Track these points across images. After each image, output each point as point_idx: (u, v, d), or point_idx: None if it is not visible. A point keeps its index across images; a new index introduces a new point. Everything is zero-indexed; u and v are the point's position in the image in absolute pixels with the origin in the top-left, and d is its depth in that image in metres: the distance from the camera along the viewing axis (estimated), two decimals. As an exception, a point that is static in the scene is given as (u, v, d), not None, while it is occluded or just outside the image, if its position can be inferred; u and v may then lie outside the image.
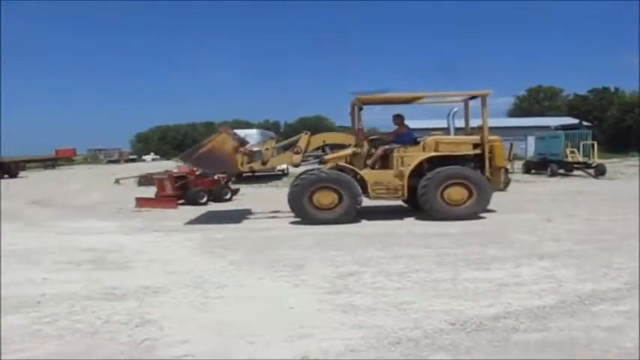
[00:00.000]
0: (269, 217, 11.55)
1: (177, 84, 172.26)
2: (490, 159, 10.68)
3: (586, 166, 23.57)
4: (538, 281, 5.64)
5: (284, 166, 20.86)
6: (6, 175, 34.15)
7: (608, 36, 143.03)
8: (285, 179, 24.10)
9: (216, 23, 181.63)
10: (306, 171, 10.96)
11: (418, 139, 11.08)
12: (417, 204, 10.65)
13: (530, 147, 34.28)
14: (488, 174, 10.61)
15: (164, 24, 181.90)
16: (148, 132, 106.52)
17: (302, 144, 11.12)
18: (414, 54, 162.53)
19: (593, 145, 23.84)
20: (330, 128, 66.25)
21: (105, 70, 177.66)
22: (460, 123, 12.03)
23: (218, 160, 11.05)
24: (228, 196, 15.83)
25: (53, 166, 53.22)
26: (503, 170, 11.12)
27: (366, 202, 10.69)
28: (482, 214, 10.50)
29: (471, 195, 10.33)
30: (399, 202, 11.84)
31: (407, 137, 11.29)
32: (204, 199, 14.77)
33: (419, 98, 11.49)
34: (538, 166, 25.59)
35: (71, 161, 64.97)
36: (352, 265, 6.62)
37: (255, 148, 12.03)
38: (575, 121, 34.93)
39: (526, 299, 4.99)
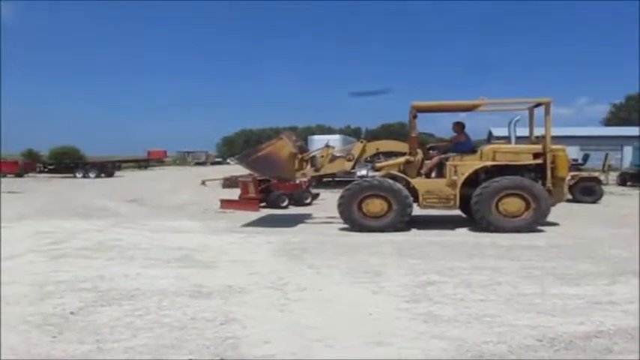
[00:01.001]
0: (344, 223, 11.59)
1: (264, 89, 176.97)
2: (552, 169, 10.17)
3: (688, 178, 21.80)
4: (633, 300, 5.29)
5: (364, 172, 20.85)
6: (103, 175, 36.51)
7: None
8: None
9: (300, 28, 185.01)
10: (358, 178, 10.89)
11: (476, 148, 10.76)
12: (472, 215, 10.32)
13: (626, 157, 32.21)
14: (549, 185, 10.09)
15: (253, 27, 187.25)
16: (233, 135, 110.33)
17: (355, 151, 11.14)
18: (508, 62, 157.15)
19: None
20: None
21: (195, 73, 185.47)
22: (525, 132, 11.58)
23: (273, 165, 11.14)
24: (308, 200, 16.07)
25: (145, 167, 56.23)
26: (567, 181, 10.50)
27: (416, 211, 10.49)
28: (571, 228, 9.98)
29: (528, 207, 9.87)
30: (452, 212, 11.42)
31: (465, 146, 10.98)
32: (286, 203, 15.08)
33: (478, 106, 11.10)
34: (635, 178, 23.95)
35: (162, 162, 68.30)
36: (432, 274, 6.52)
37: (311, 155, 12.04)
38: (678, 130, 32.44)
39: (620, 319, 4.70)
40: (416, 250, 8.23)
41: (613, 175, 25.02)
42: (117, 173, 39.43)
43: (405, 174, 10.64)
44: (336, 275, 6.52)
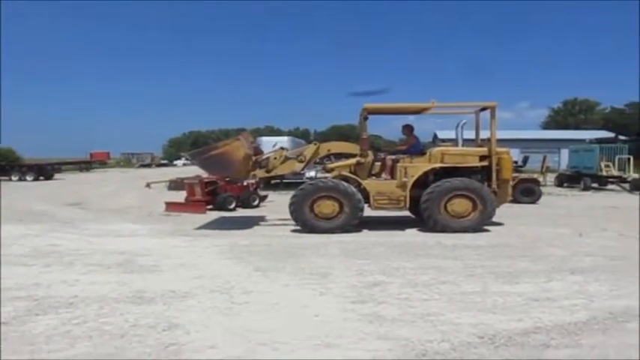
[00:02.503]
0: (295, 225, 11.55)
1: (212, 90, 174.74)
2: (497, 171, 10.52)
3: (621, 180, 22.99)
4: (569, 296, 5.52)
5: (312, 174, 20.90)
6: (41, 177, 35.01)
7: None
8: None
9: (248, 30, 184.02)
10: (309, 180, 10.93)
11: (425, 150, 11.00)
12: (421, 215, 10.52)
13: (563, 160, 33.68)
14: (494, 187, 10.44)
15: (199, 28, 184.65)
16: (180, 137, 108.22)
17: (307, 153, 11.18)
18: (446, 64, 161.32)
19: (629, 159, 23.25)
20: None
21: (139, 73, 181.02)
22: (471, 134, 11.92)
23: (226, 165, 10.92)
24: (256, 203, 15.95)
25: (87, 169, 54.47)
26: (510, 183, 10.90)
27: (367, 212, 10.60)
28: (511, 227, 10.33)
29: (475, 207, 10.16)
30: (402, 213, 11.62)
31: (416, 148, 11.22)
32: (233, 205, 14.89)
33: (428, 109, 11.34)
34: (571, 179, 25.07)
35: (105, 164, 66.40)
36: (378, 274, 6.58)
37: (265, 157, 11.95)
38: (611, 134, 34.15)
39: (557, 314, 4.89)
40: (363, 250, 8.29)
41: (551, 177, 26.09)
42: (57, 176, 37.90)
43: (356, 175, 10.73)
44: (283, 277, 6.48)
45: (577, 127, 62.27)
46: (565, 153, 31.39)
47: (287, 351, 4.06)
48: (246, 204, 15.43)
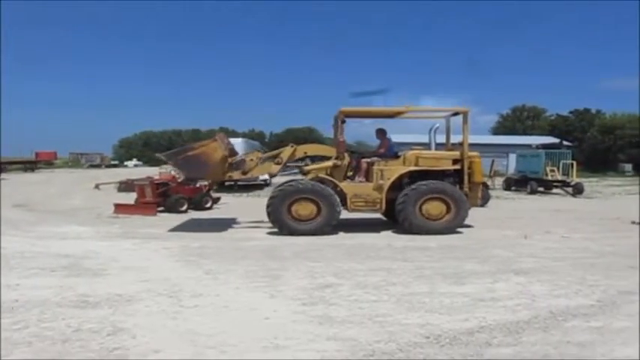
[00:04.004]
0: (248, 227, 11.50)
1: (165, 91, 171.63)
2: (469, 175, 10.79)
3: (565, 184, 23.94)
4: (513, 296, 5.69)
5: (266, 176, 20.83)
6: (-16, 177, 33.59)
7: (592, 59, 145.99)
8: (267, 189, 24.07)
9: (206, 30, 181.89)
10: (286, 182, 10.94)
11: (399, 153, 11.16)
12: (395, 217, 10.68)
13: (511, 164, 34.71)
14: (466, 189, 10.70)
15: (149, 28, 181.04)
16: (131, 137, 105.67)
17: (284, 155, 11.13)
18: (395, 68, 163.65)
19: (572, 164, 24.21)
20: (319, 140, 66.47)
21: (90, 73, 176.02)
22: (441, 139, 12.14)
23: (203, 167, 10.81)
24: (208, 205, 15.75)
25: (32, 169, 52.53)
26: (482, 186, 11.22)
27: (344, 214, 10.70)
28: (460, 230, 10.57)
29: (449, 210, 10.40)
30: (377, 215, 11.88)
31: (391, 151, 11.38)
32: (185, 207, 14.65)
33: (402, 113, 11.57)
34: (518, 183, 25.89)
35: (51, 165, 64.23)
36: (329, 276, 6.61)
37: (239, 158, 11.90)
38: (556, 140, 35.40)
39: (500, 314, 5.03)
40: (315, 253, 8.31)
41: (499, 180, 26.85)
42: (1, 175, 36.36)
43: (332, 177, 10.77)
44: (234, 280, 6.42)
45: (525, 133, 64.20)
46: (513, 158, 32.40)
47: (235, 353, 4.03)
48: (198, 206, 15.20)
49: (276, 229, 10.34)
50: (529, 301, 5.53)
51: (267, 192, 22.56)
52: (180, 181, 15.45)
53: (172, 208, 14.39)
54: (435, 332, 4.49)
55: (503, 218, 13.66)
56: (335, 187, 10.64)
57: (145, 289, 5.92)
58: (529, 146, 31.09)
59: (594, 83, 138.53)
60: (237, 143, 22.05)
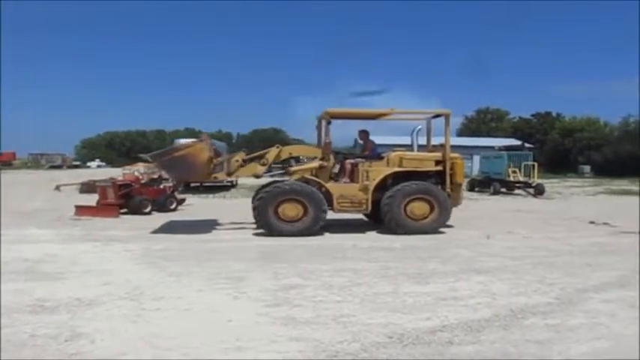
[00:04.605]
0: (213, 229, 11.39)
1: (129, 91, 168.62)
2: (451, 175, 10.99)
3: (526, 185, 24.48)
4: (474, 295, 5.79)
5: (232, 178, 20.67)
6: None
7: (557, 64, 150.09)
8: (233, 190, 23.93)
9: (170, 30, 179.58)
10: (272, 182, 10.90)
11: (382, 155, 11.28)
12: (378, 218, 10.76)
13: (475, 166, 35.33)
14: (448, 190, 10.89)
15: (118, 28, 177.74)
16: (94, 138, 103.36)
17: (270, 156, 11.03)
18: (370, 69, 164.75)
19: (533, 165, 24.76)
20: (286, 141, 66.34)
21: (52, 74, 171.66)
22: (422, 140, 12.36)
23: (189, 168, 10.69)
24: (173, 206, 15.49)
25: (-11, 171, 50.85)
26: (463, 186, 11.44)
27: (330, 215, 10.70)
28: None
29: (432, 210, 10.56)
30: (359, 216, 11.98)
31: (375, 152, 11.49)
32: (149, 209, 14.39)
33: (385, 115, 11.69)
34: (482, 184, 26.38)
35: (10, 165, 62.38)
36: (294, 277, 6.60)
37: (223, 159, 11.67)
38: (518, 142, 36.14)
39: (462, 313, 5.11)
40: (280, 254, 8.29)
41: (464, 182, 27.26)
42: (-46, 177, 35.07)
43: (318, 178, 10.76)
44: (197, 282, 6.34)
45: (489, 135, 65.48)
46: (477, 159, 33.01)
47: (196, 356, 3.98)
48: (162, 207, 14.95)
49: (236, 229, 10.20)
50: (490, 299, 5.63)
51: (233, 193, 22.52)
52: (144, 182, 15.19)
53: (136, 210, 14.13)
54: (398, 332, 4.53)
55: (467, 218, 13.83)
56: (320, 187, 10.65)
57: (106, 292, 5.80)
58: (492, 148, 31.66)
59: (555, 87, 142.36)
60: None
